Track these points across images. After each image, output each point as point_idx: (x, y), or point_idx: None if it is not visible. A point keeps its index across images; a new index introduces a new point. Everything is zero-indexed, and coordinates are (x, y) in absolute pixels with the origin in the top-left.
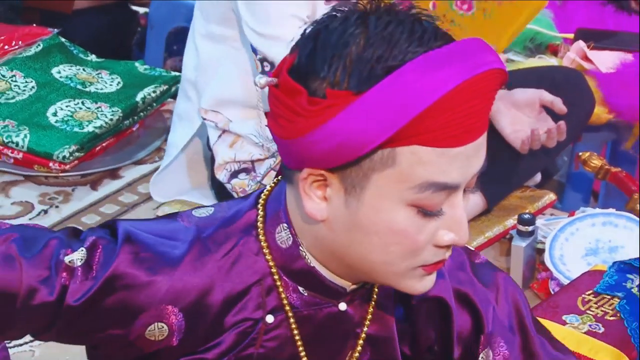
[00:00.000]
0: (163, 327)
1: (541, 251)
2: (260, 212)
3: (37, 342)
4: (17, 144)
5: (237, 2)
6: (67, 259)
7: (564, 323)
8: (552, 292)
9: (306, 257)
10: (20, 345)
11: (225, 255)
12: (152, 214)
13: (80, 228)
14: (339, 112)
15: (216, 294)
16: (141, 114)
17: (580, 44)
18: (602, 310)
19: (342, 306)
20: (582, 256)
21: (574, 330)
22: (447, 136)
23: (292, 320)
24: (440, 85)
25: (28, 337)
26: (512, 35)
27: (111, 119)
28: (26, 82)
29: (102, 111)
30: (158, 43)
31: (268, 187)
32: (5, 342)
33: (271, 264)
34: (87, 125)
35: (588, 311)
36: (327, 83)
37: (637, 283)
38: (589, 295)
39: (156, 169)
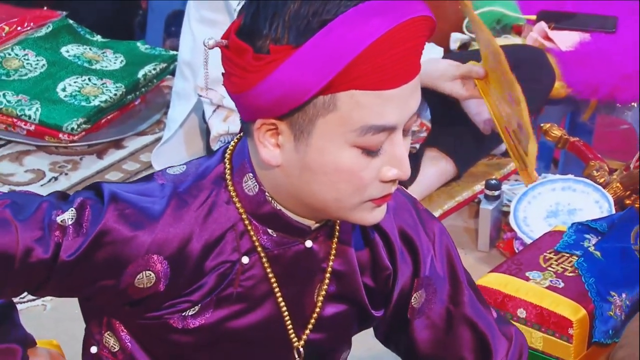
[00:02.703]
0: (150, 274)
1: (506, 213)
2: (227, 165)
3: (48, 297)
4: (29, 117)
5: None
6: (59, 218)
7: (527, 279)
8: (517, 251)
9: (272, 201)
10: (33, 300)
11: (200, 206)
12: None
13: (67, 193)
14: (281, 65)
15: (195, 242)
16: (142, 89)
17: (542, 24)
18: (562, 267)
19: (308, 243)
20: (543, 218)
21: (537, 286)
22: (380, 79)
23: (264, 259)
24: (370, 33)
25: None
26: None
27: (115, 94)
28: (37, 60)
29: (107, 87)
30: (158, 25)
31: (232, 143)
32: (15, 308)
33: (241, 210)
34: (93, 100)
35: (549, 268)
36: (269, 40)
37: (593, 242)
38: (550, 253)
39: (157, 140)
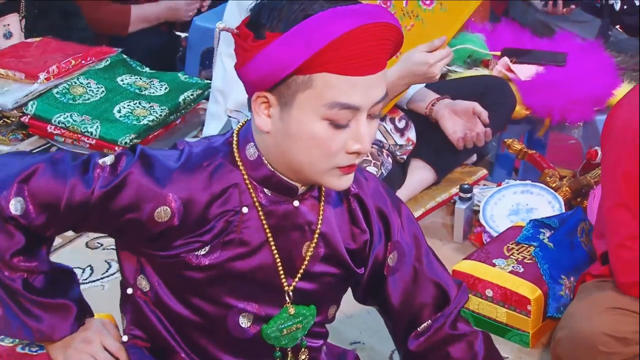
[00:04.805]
0: (167, 209)
1: (477, 212)
2: (235, 137)
3: (107, 278)
4: (91, 133)
5: (218, 35)
6: (100, 160)
7: (494, 265)
8: (485, 242)
9: (268, 164)
10: (93, 281)
11: (209, 164)
12: None
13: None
14: (270, 44)
15: (203, 191)
16: (182, 111)
17: (506, 59)
18: (522, 256)
19: (296, 203)
20: (506, 215)
21: (501, 270)
22: (349, 67)
23: (260, 212)
24: (340, 28)
25: (99, 274)
26: (460, 24)
27: (160, 115)
28: (98, 87)
29: (154, 109)
30: (195, 59)
31: (241, 122)
32: (69, 271)
33: (243, 172)
34: (142, 120)
35: (511, 256)
36: (266, 28)
37: (547, 235)
38: (512, 244)
39: None
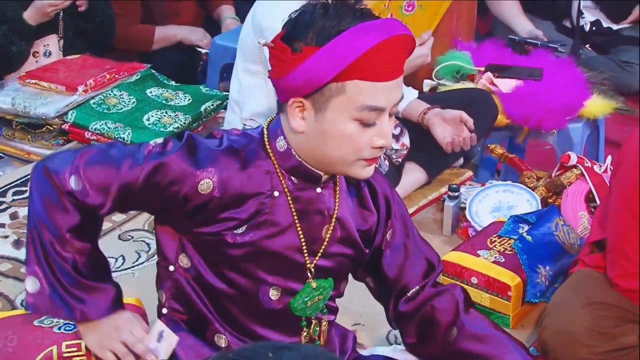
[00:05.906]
0: (209, 182)
1: (463, 208)
2: (265, 132)
3: (137, 267)
4: (123, 139)
5: (262, 49)
6: (151, 142)
7: (478, 255)
8: (471, 236)
9: (296, 155)
10: (125, 269)
11: (245, 150)
12: None
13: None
14: (308, 58)
15: (240, 172)
16: (203, 119)
17: (489, 74)
18: (503, 247)
19: (318, 190)
20: (490, 212)
21: (485, 260)
22: (376, 74)
23: (289, 197)
24: (370, 41)
25: (130, 263)
26: (439, 17)
27: (184, 123)
28: (129, 98)
29: (178, 118)
30: (215, 73)
31: (269, 119)
32: (106, 258)
33: (274, 161)
34: (168, 127)
35: (494, 248)
36: (303, 42)
37: (526, 229)
38: (494, 237)
39: None
